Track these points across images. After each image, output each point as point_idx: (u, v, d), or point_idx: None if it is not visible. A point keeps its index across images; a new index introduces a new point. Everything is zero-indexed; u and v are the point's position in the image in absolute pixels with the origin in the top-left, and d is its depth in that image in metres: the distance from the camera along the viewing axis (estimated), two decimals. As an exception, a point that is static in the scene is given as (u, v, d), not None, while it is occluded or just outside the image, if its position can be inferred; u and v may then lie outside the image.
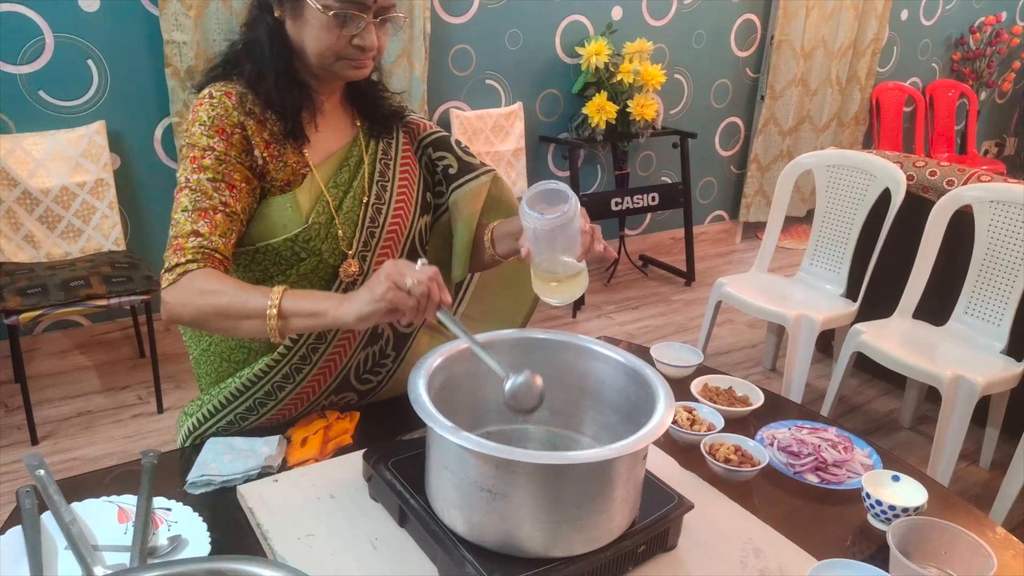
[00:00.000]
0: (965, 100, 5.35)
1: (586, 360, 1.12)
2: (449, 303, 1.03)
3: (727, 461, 1.18)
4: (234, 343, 1.29)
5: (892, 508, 1.08)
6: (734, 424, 1.32)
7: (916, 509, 1.08)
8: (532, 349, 1.13)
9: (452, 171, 1.34)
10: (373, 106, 1.30)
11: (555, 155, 4.05)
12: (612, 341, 1.67)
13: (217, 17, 2.90)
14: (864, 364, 2.63)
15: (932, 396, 2.49)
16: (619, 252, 4.24)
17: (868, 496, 1.11)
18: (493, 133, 3.69)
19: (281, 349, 1.22)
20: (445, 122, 3.60)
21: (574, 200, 1.04)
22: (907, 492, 1.12)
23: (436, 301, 1.00)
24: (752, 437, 1.27)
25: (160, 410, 2.75)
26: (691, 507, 1.02)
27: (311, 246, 1.18)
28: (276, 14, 1.16)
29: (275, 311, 1.04)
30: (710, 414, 1.30)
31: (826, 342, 3.18)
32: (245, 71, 1.17)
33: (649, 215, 4.47)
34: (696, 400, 1.36)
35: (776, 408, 1.41)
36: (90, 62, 2.81)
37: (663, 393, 1.00)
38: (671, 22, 4.14)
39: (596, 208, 3.85)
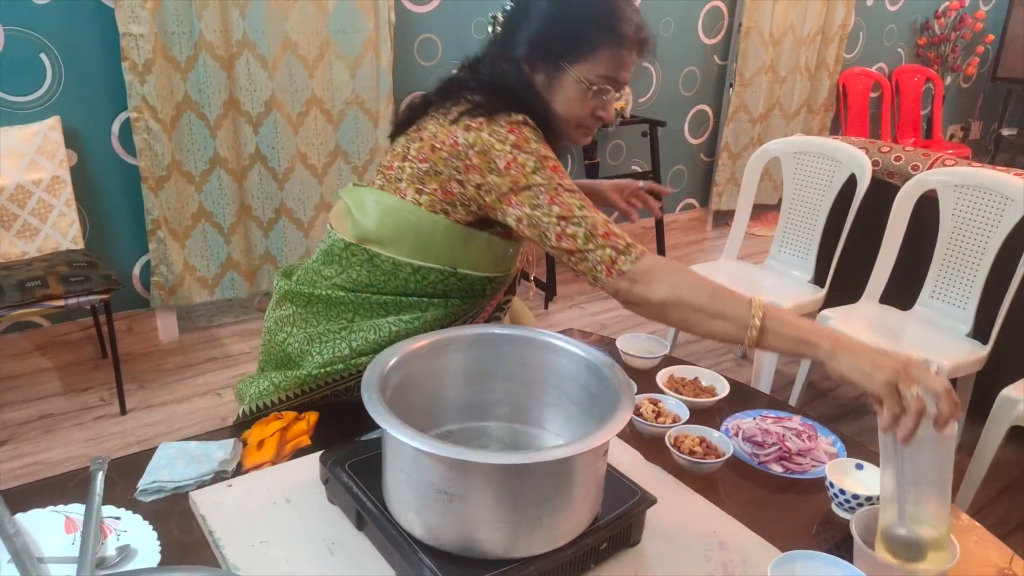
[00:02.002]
0: (931, 85, 5.40)
1: (547, 355, 1.10)
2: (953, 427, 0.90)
3: (692, 453, 1.17)
4: (369, 339, 1.25)
5: (856, 497, 1.07)
6: (700, 415, 1.31)
7: (879, 497, 1.07)
8: (491, 344, 1.11)
9: None
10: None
11: (524, 145, 4.01)
12: (583, 334, 1.66)
13: (175, 8, 2.83)
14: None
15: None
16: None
17: (832, 485, 1.10)
18: (461, 124, 3.65)
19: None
20: (412, 113, 3.56)
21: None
22: (871, 480, 1.12)
23: (930, 417, 0.89)
24: (717, 428, 1.26)
25: (123, 412, 2.70)
26: (654, 501, 1.00)
27: (496, 286, 1.31)
28: (526, 71, 1.20)
29: (756, 331, 1.01)
30: (675, 406, 1.29)
31: (796, 328, 3.19)
32: (526, 106, 1.18)
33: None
34: (661, 391, 1.35)
35: (742, 398, 1.40)
36: (43, 56, 2.73)
37: (623, 387, 0.98)
38: (639, 10, 4.11)
39: (566, 198, 3.83)
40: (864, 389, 0.95)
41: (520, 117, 1.16)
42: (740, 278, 2.88)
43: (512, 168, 1.13)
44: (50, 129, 2.74)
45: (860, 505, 1.07)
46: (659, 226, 4.14)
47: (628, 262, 1.09)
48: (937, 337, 2.44)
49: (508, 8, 1.25)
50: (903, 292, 2.63)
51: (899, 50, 5.42)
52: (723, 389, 1.36)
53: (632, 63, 1.21)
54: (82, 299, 2.50)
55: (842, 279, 2.75)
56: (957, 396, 0.90)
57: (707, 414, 1.33)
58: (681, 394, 1.34)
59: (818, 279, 2.83)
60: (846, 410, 2.90)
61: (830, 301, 2.71)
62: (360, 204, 1.24)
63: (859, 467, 1.14)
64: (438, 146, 1.18)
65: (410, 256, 1.22)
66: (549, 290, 3.77)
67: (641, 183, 1.54)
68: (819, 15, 4.64)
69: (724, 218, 4.89)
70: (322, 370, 1.26)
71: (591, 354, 1.06)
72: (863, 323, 2.52)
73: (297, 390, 1.27)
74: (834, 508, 1.12)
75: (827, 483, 1.11)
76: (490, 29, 1.28)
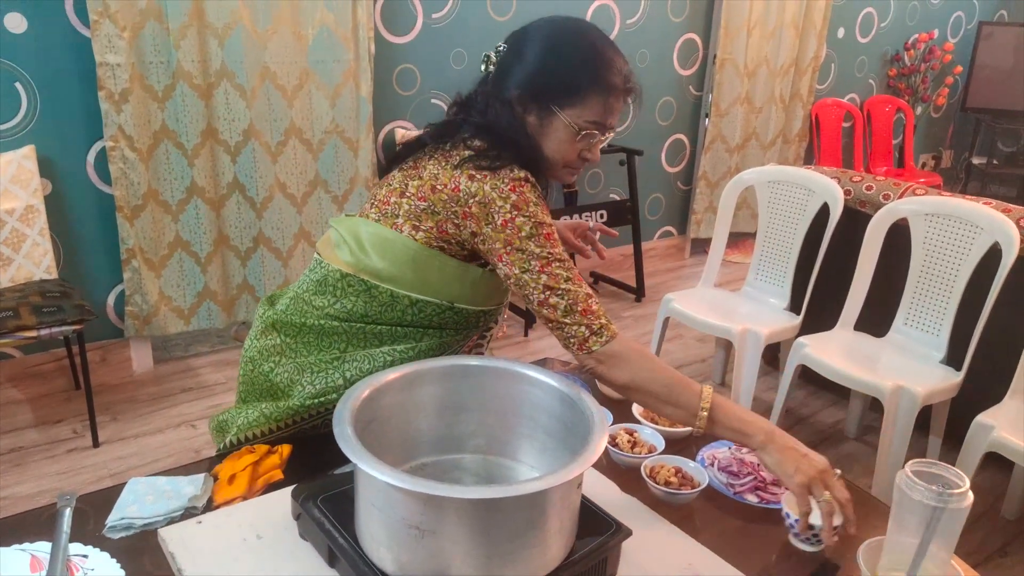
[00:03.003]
0: (902, 115, 5.51)
1: (520, 386, 1.10)
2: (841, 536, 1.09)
3: (667, 484, 1.17)
4: (363, 369, 1.27)
5: (811, 527, 1.07)
6: (676, 445, 1.31)
7: (835, 528, 1.07)
8: (464, 376, 1.10)
9: None
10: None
11: (503, 174, 4.04)
12: (561, 363, 1.66)
13: (153, 38, 2.83)
14: (810, 376, 2.66)
15: (876, 407, 2.52)
16: (569, 269, 4.24)
17: (788, 515, 1.10)
18: (440, 153, 3.67)
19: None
20: (391, 141, 3.57)
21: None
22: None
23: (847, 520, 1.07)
24: (693, 458, 1.26)
25: (95, 444, 2.65)
26: (629, 534, 1.00)
27: (487, 318, 1.34)
28: (517, 112, 1.23)
29: (704, 420, 1.13)
30: (651, 436, 1.29)
31: (773, 355, 3.21)
32: (524, 158, 1.22)
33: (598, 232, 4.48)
34: (637, 421, 1.35)
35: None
36: (18, 85, 2.72)
37: (597, 418, 0.98)
38: (615, 41, 4.17)
39: (545, 226, 3.85)
40: (783, 484, 1.11)
41: (523, 174, 1.19)
42: (717, 306, 2.90)
43: (508, 227, 1.16)
44: (24, 158, 2.72)
45: (816, 537, 1.07)
46: (637, 253, 4.17)
47: (599, 343, 1.15)
48: (911, 363, 2.47)
49: (501, 49, 1.28)
50: (877, 319, 2.67)
51: (870, 81, 5.53)
52: (698, 419, 1.36)
53: (620, 109, 1.26)
54: (55, 330, 2.47)
55: (817, 306, 2.78)
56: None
57: (683, 444, 1.33)
58: (657, 424, 1.34)
59: (794, 306, 2.86)
60: (823, 436, 2.92)
61: (806, 328, 2.73)
62: (355, 236, 1.26)
63: None
64: (439, 188, 1.21)
65: (408, 289, 1.23)
66: (530, 318, 3.77)
67: (591, 224, 1.63)
68: (792, 48, 4.74)
69: (703, 245, 4.93)
70: (315, 400, 1.25)
71: (565, 384, 1.07)
72: (838, 350, 2.55)
73: (288, 420, 1.27)
74: (791, 538, 1.11)
75: (783, 513, 1.11)
76: (483, 68, 1.30)
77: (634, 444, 1.26)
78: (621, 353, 1.15)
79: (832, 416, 3.05)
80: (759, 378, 2.74)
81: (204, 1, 2.88)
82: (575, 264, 1.28)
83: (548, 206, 1.24)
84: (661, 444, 1.27)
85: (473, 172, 1.19)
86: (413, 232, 1.22)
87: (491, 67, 1.28)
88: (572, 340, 1.16)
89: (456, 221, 1.20)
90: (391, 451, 0.95)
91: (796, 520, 1.08)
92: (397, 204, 1.25)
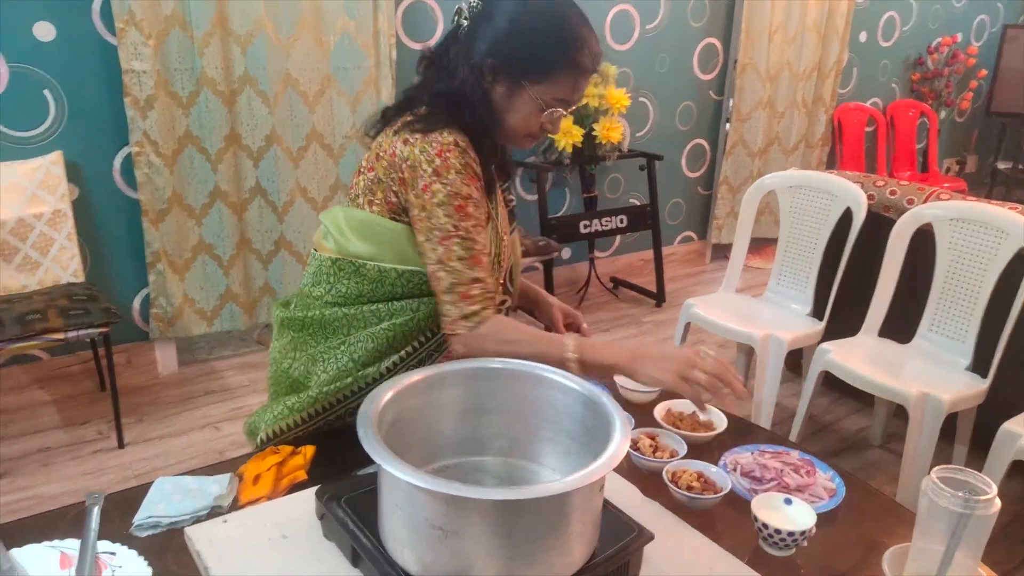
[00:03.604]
0: (925, 119, 5.46)
1: (542, 389, 1.10)
2: (745, 396, 1.16)
3: (689, 488, 1.17)
4: (368, 347, 1.29)
5: (779, 532, 1.06)
6: (698, 449, 1.31)
7: (803, 534, 1.06)
8: (487, 378, 1.11)
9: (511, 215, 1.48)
10: (505, 161, 1.44)
11: (523, 178, 4.05)
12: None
13: (178, 46, 2.87)
14: (833, 383, 2.64)
15: (901, 414, 2.50)
16: (589, 274, 4.24)
17: (756, 519, 1.09)
18: (460, 158, 3.68)
19: (408, 348, 1.29)
20: (412, 148, 3.59)
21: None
22: (800, 516, 1.10)
23: (729, 386, 1.12)
24: (715, 463, 1.26)
25: (121, 445, 2.69)
26: (651, 538, 1.00)
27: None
28: (487, 84, 1.25)
29: (575, 364, 1.18)
30: (673, 440, 1.29)
31: (796, 361, 3.18)
32: (465, 122, 1.24)
33: (618, 237, 4.49)
34: (659, 426, 1.34)
35: (740, 432, 1.40)
36: (46, 92, 2.77)
37: (619, 422, 0.98)
38: (634, 47, 4.18)
39: (565, 231, 3.86)
40: (666, 388, 1.17)
41: (452, 138, 1.21)
42: (739, 311, 2.88)
43: (426, 192, 1.21)
44: (52, 164, 2.77)
45: (784, 541, 1.06)
46: (657, 258, 4.16)
47: (465, 328, 1.21)
48: (937, 370, 2.44)
49: (476, 6, 1.27)
50: (902, 325, 2.64)
51: (893, 85, 5.48)
52: (721, 423, 1.36)
53: (586, 87, 1.29)
54: (82, 332, 2.51)
55: (841, 312, 2.76)
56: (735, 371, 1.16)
57: (705, 448, 1.33)
58: (679, 428, 1.34)
59: (816, 312, 2.84)
60: (847, 444, 2.89)
61: (829, 334, 2.71)
62: (336, 223, 1.30)
63: (788, 502, 1.12)
64: (381, 155, 1.26)
65: (392, 263, 1.26)
66: (548, 323, 3.76)
67: (584, 325, 1.59)
68: (814, 52, 4.71)
69: (724, 251, 4.90)
70: (331, 387, 1.28)
71: (587, 388, 1.07)
72: (862, 356, 2.52)
73: (310, 411, 1.29)
74: (761, 543, 1.10)
75: (752, 517, 1.09)
76: (454, 21, 1.30)
77: (656, 448, 1.26)
78: (487, 335, 1.21)
79: (856, 423, 3.02)
80: (781, 384, 2.72)
81: (228, 9, 2.92)
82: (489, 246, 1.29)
83: (480, 175, 1.25)
84: (683, 448, 1.27)
85: (408, 136, 1.22)
86: (370, 207, 1.27)
87: (464, 22, 1.28)
88: (444, 317, 1.23)
89: (395, 188, 1.24)
90: (414, 452, 0.95)
91: (764, 524, 1.07)
92: (356, 184, 1.30)
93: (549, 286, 3.75)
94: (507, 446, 1.13)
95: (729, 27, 4.53)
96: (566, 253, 4.31)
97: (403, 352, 1.29)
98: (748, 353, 3.23)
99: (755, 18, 4.41)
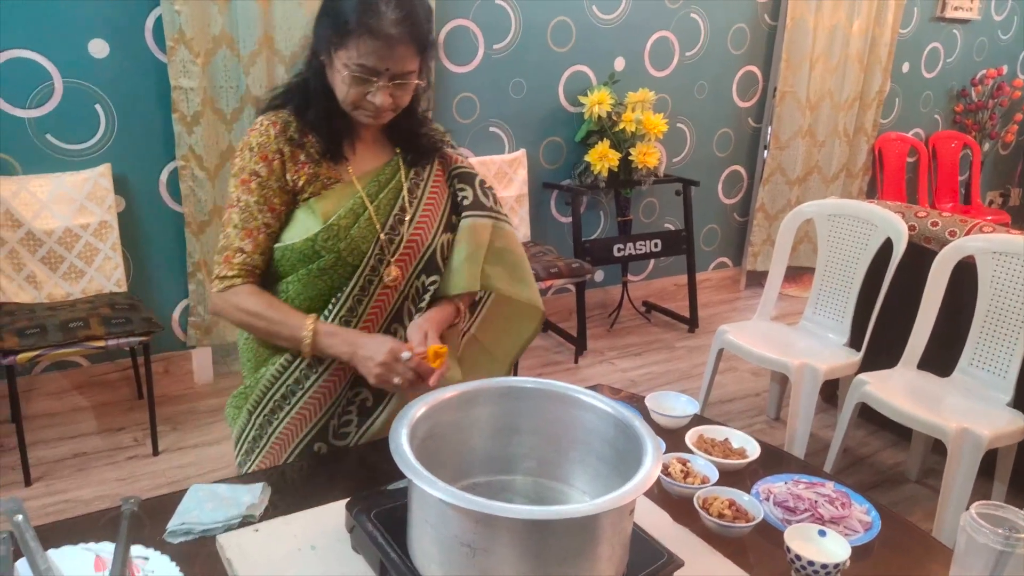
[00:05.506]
0: (968, 151, 5.37)
1: (574, 410, 1.10)
2: (432, 387, 1.21)
3: (721, 516, 1.15)
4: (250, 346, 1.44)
5: (811, 564, 1.04)
6: (730, 477, 1.29)
7: (837, 566, 1.04)
8: (519, 398, 1.11)
9: (467, 203, 1.47)
10: (409, 139, 1.43)
11: (558, 201, 4.07)
12: (612, 390, 1.65)
13: (224, 64, 2.94)
14: (870, 414, 2.59)
15: (939, 448, 2.44)
16: (622, 297, 4.23)
17: (789, 550, 1.07)
18: (496, 179, 3.71)
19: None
20: (449, 168, 3.62)
21: None
22: (834, 548, 1.09)
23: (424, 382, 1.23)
24: (748, 491, 1.24)
25: (155, 452, 2.73)
26: (681, 564, 0.99)
27: (329, 245, 1.31)
28: (322, 58, 1.30)
29: (308, 348, 1.28)
30: (705, 466, 1.27)
31: (831, 391, 3.14)
32: (294, 102, 1.34)
33: (652, 261, 4.47)
34: (691, 451, 1.33)
35: (773, 461, 1.38)
36: (98, 107, 2.85)
37: (651, 445, 0.97)
38: (673, 73, 4.19)
39: (599, 254, 3.86)
40: (367, 377, 1.26)
41: (267, 120, 1.33)
42: (774, 339, 2.85)
43: (231, 165, 1.35)
44: (100, 176, 2.85)
45: (817, 573, 1.04)
46: (691, 284, 4.13)
47: (217, 288, 1.32)
48: (977, 405, 2.39)
49: None
50: (942, 358, 2.59)
51: (936, 116, 5.41)
52: (754, 451, 1.34)
53: (395, 56, 1.24)
54: (122, 340, 2.56)
55: (879, 343, 2.71)
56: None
57: (737, 476, 1.31)
58: (711, 455, 1.32)
59: (853, 342, 2.80)
60: (883, 478, 2.83)
61: (866, 365, 2.67)
62: None
63: (822, 534, 1.11)
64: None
65: (284, 241, 1.35)
66: (580, 344, 3.76)
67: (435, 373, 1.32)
68: (856, 81, 4.67)
69: (759, 278, 4.85)
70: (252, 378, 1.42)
71: (619, 411, 1.06)
72: (900, 389, 2.48)
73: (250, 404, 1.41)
74: (793, 575, 1.08)
75: (785, 547, 1.08)
76: None
77: (687, 474, 1.25)
78: (224, 306, 1.31)
79: (892, 457, 2.96)
80: (815, 414, 2.68)
81: (274, 29, 2.98)
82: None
83: (282, 153, 1.31)
84: (715, 475, 1.25)
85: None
86: None
87: None
88: (212, 275, 1.33)
89: None
90: (444, 469, 0.95)
91: (797, 556, 1.05)
92: None
93: (581, 308, 3.75)
94: (537, 466, 1.13)
95: (769, 55, 4.52)
96: (599, 276, 4.30)
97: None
98: (781, 382, 3.19)
99: (796, 47, 4.39)
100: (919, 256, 2.68)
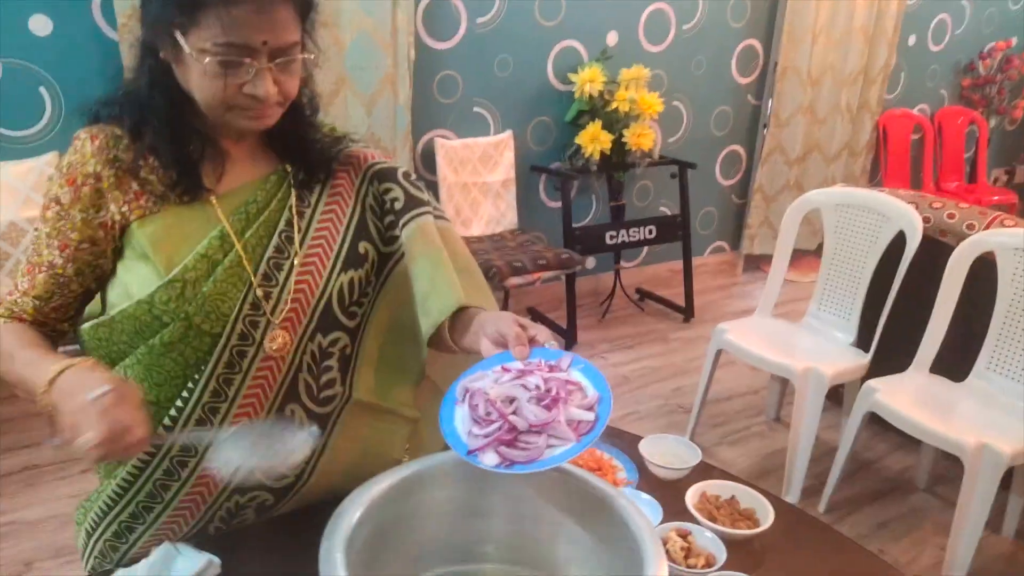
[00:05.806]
0: (975, 127, 5.16)
1: (550, 487, 0.91)
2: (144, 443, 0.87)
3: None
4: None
5: None
6: (740, 549, 1.09)
7: None
8: (488, 475, 0.91)
9: (399, 205, 1.14)
10: (296, 151, 1.10)
11: (547, 186, 3.85)
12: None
13: (182, 41, 2.71)
14: (875, 415, 2.40)
15: (950, 453, 2.26)
16: (614, 286, 4.03)
17: None
18: (481, 163, 3.49)
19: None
20: (430, 151, 3.40)
21: None
22: None
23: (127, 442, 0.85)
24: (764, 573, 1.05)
25: (111, 466, 2.54)
26: None
27: (172, 308, 0.98)
28: (161, 55, 0.98)
29: (42, 405, 0.90)
30: (710, 542, 1.07)
31: (835, 388, 2.95)
32: (129, 121, 1.01)
33: (646, 247, 4.27)
34: (692, 517, 1.13)
35: (789, 527, 1.17)
36: (42, 89, 2.62)
37: (649, 540, 0.78)
38: (669, 48, 3.95)
39: (590, 241, 3.65)
40: None
41: (79, 134, 1.03)
42: (776, 339, 2.66)
43: None
44: (47, 165, 2.63)
45: None
46: (687, 270, 3.94)
47: None
48: (994, 414, 2.21)
49: None
50: (956, 362, 2.40)
51: (942, 91, 5.19)
52: (767, 516, 1.13)
53: (274, 22, 0.94)
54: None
55: (889, 344, 2.52)
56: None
57: (748, 549, 1.11)
58: (715, 519, 1.13)
59: (861, 342, 2.61)
60: (890, 486, 2.66)
61: (875, 368, 2.49)
62: None
63: None
64: None
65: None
66: (569, 337, 3.57)
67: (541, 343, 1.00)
68: (861, 55, 4.44)
69: (756, 262, 4.67)
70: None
71: (602, 483, 0.87)
72: (912, 396, 2.30)
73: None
74: None
75: None
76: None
77: (688, 552, 1.05)
78: None
79: (900, 462, 2.79)
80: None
81: (237, 3, 2.74)
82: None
83: (97, 175, 1.00)
84: (722, 554, 1.05)
85: None
86: None
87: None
88: None
89: None
90: (394, 566, 0.76)
91: None
92: None
93: (571, 299, 3.55)
94: (506, 552, 0.93)
95: (771, 28, 4.27)
96: (590, 263, 4.10)
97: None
98: (781, 380, 3.01)
99: (798, 19, 4.15)
100: (933, 250, 2.48)
